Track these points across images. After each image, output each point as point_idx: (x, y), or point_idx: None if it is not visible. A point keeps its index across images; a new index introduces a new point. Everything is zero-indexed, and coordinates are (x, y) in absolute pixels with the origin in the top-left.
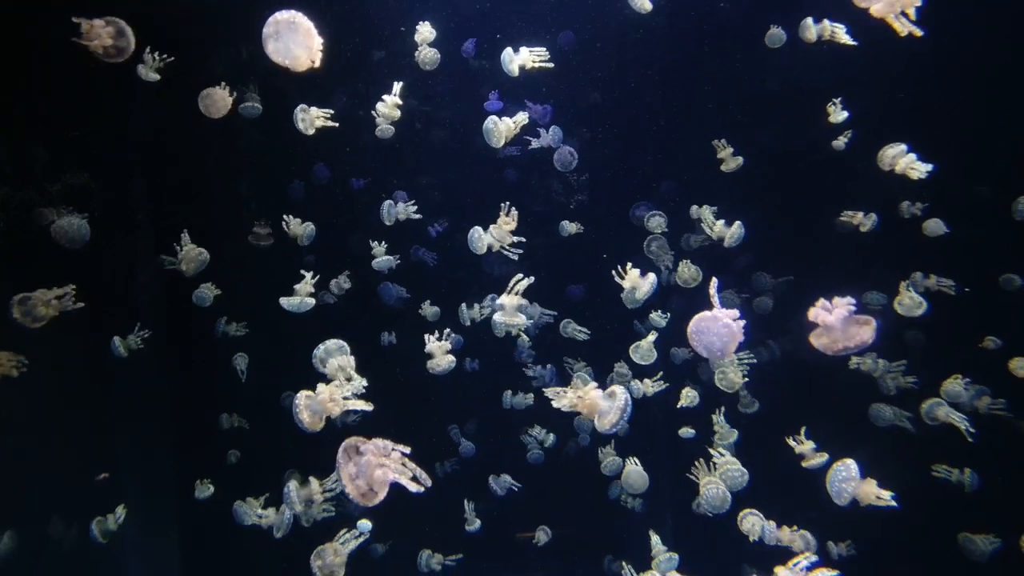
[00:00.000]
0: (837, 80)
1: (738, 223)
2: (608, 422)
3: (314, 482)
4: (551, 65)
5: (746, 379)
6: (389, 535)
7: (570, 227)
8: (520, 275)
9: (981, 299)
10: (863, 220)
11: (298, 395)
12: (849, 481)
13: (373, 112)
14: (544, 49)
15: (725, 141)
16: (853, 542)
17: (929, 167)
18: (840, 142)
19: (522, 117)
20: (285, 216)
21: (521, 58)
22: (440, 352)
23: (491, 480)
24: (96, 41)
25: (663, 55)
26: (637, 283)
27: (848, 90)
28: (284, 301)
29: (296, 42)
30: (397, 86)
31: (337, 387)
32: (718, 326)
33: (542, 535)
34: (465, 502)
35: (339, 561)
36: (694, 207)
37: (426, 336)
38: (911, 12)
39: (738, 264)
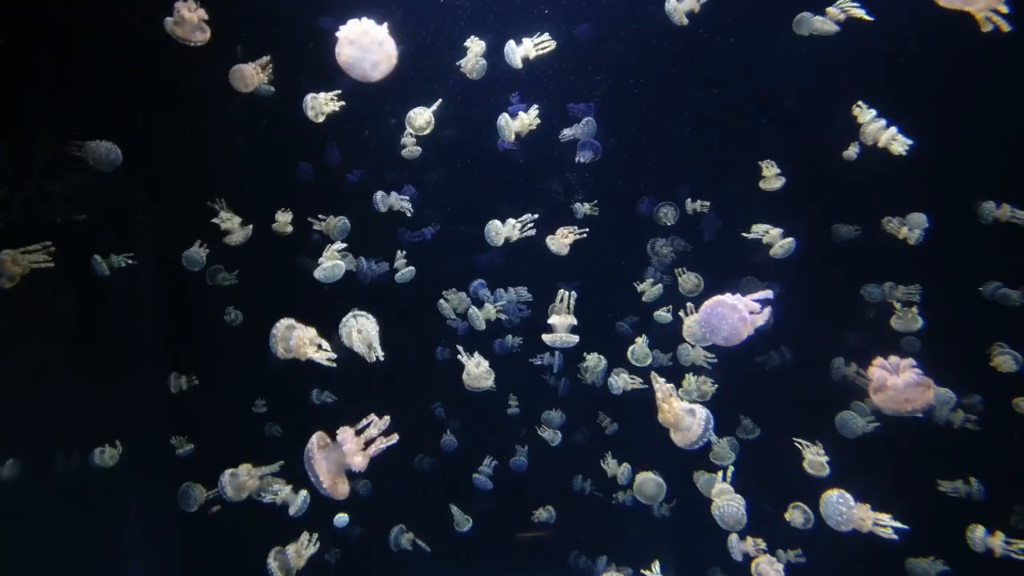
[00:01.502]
0: (851, 82)
1: (791, 238)
2: (693, 436)
3: (244, 469)
4: (553, 43)
5: (716, 386)
6: (378, 540)
7: (583, 208)
8: (562, 290)
9: (962, 303)
10: (908, 234)
11: (279, 322)
12: (850, 521)
13: (406, 128)
14: (546, 34)
15: (773, 162)
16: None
17: (910, 142)
18: (851, 151)
19: (534, 114)
20: (321, 215)
21: (524, 49)
22: (478, 370)
23: (475, 476)
24: (190, 12)
25: (680, 53)
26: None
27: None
28: (318, 272)
29: (371, 62)
30: (436, 103)
31: (316, 336)
32: (735, 317)
33: (544, 513)
34: (451, 505)
35: (299, 564)
36: (688, 201)
37: (463, 356)
38: (1002, 7)
39: (729, 268)
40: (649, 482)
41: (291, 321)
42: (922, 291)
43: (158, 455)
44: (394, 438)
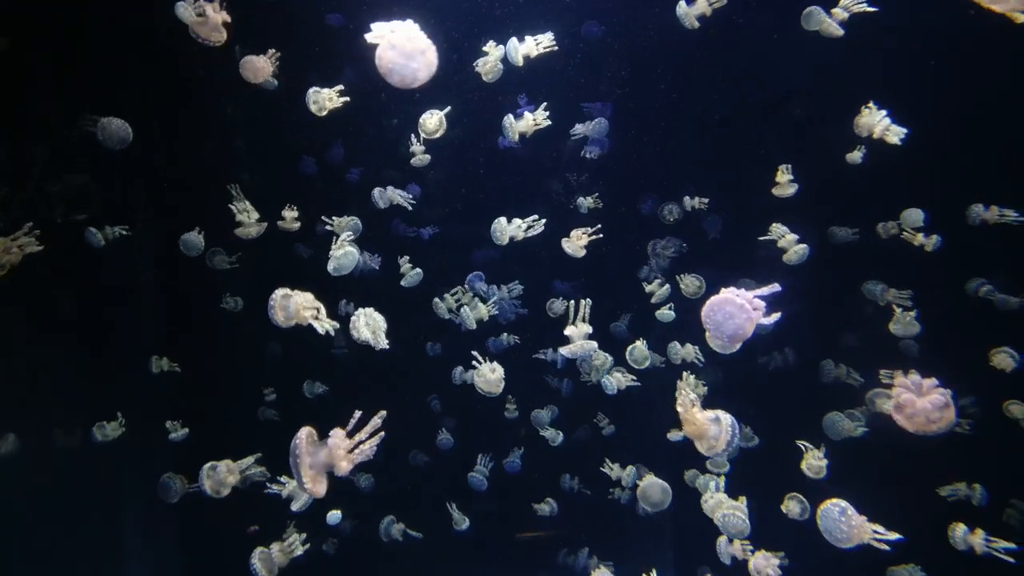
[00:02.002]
0: (859, 85)
1: (805, 245)
2: (722, 445)
3: (224, 465)
4: (554, 41)
5: (706, 387)
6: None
7: (587, 202)
8: (571, 301)
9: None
10: (924, 241)
11: (275, 292)
12: (851, 538)
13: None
14: (550, 34)
15: (789, 167)
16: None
17: (904, 131)
18: (856, 155)
19: (542, 115)
20: (334, 216)
21: (526, 47)
22: (493, 375)
23: (471, 476)
24: (215, 13)
25: (690, 54)
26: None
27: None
28: (331, 264)
29: (412, 70)
30: (447, 108)
31: (313, 300)
32: (742, 317)
33: (546, 507)
34: (448, 503)
35: (283, 560)
36: (687, 198)
37: (480, 362)
38: None
39: (731, 270)
40: (654, 487)
41: (286, 290)
42: (914, 294)
43: (157, 446)
44: (380, 436)
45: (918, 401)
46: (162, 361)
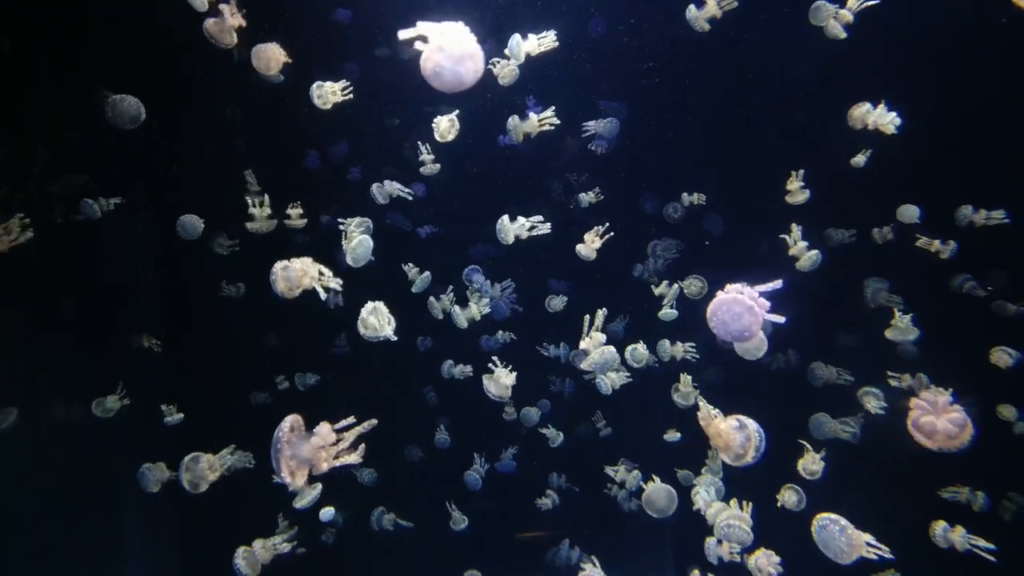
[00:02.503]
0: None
1: (816, 251)
2: (751, 452)
3: (206, 459)
4: (556, 44)
5: (697, 387)
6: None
7: (587, 197)
8: (586, 314)
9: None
10: (941, 248)
11: (274, 266)
12: (850, 555)
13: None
14: (553, 32)
15: (801, 173)
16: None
17: (898, 120)
18: (860, 159)
19: (549, 115)
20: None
21: (529, 45)
22: (506, 380)
23: (467, 475)
24: (231, 17)
25: (700, 56)
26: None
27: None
28: (348, 258)
29: (457, 73)
30: (455, 112)
31: (312, 263)
32: (749, 318)
33: (548, 502)
34: (447, 503)
35: (267, 556)
36: (684, 194)
37: (496, 365)
38: None
39: (723, 271)
40: (660, 493)
41: (284, 262)
42: (911, 297)
43: (158, 446)
44: (362, 451)
45: (938, 421)
46: (141, 337)
